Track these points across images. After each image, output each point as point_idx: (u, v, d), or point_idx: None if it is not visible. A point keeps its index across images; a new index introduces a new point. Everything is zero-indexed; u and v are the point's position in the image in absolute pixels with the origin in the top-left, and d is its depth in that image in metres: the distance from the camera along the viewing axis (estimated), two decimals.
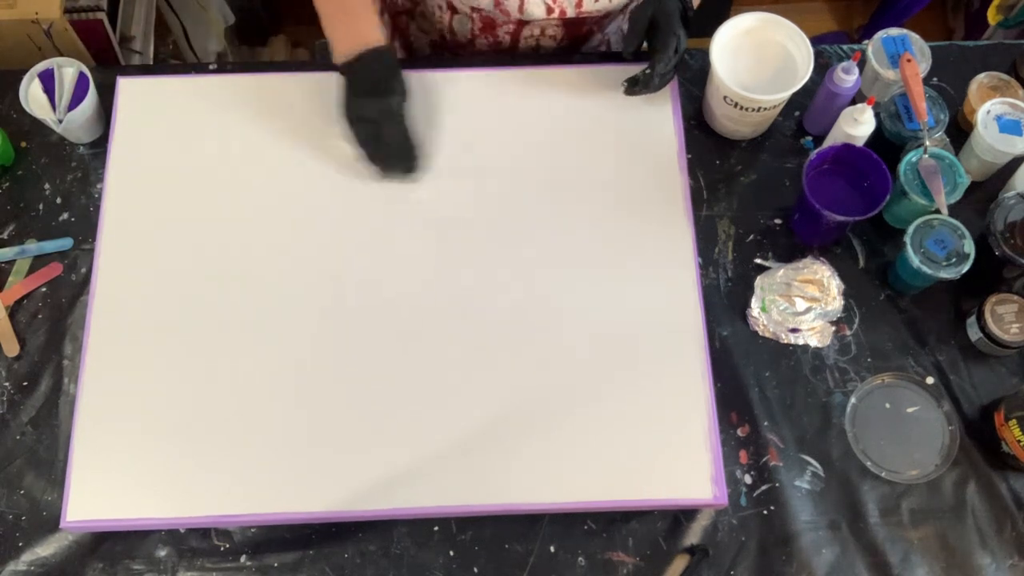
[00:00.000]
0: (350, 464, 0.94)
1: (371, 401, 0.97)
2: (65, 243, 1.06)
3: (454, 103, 1.11)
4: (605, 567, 0.94)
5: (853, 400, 1.00)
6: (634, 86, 1.06)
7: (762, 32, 1.07)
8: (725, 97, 1.04)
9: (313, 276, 1.02)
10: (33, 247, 1.06)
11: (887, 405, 1.00)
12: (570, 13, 1.09)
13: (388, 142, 1.01)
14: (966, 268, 0.97)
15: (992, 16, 1.74)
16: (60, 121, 1.07)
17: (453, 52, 1.24)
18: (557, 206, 1.06)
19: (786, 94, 1.03)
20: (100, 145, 1.12)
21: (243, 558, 0.94)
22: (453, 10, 1.16)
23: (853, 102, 1.07)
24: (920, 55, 1.08)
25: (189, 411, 0.96)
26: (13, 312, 1.04)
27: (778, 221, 1.09)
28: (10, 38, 1.31)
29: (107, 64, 1.42)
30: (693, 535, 0.95)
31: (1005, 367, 1.03)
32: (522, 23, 1.13)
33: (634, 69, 1.13)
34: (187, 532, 0.95)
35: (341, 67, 1.02)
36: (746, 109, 1.04)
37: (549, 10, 1.08)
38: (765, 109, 1.05)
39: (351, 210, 1.05)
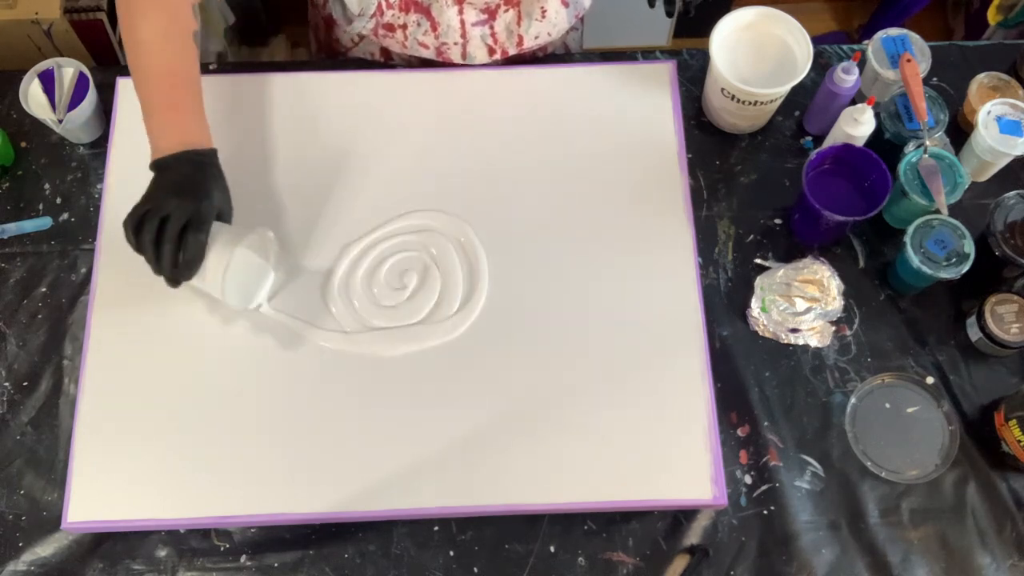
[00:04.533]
0: (350, 464, 0.94)
1: (371, 401, 0.96)
2: (44, 222, 1.06)
3: (453, 103, 1.11)
4: (605, 567, 0.94)
5: (853, 400, 1.00)
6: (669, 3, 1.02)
7: (762, 26, 1.07)
8: (723, 89, 1.05)
9: (314, 272, 1.02)
10: (12, 227, 1.06)
11: (887, 405, 1.00)
12: (511, 51, 1.09)
13: (184, 248, 0.86)
14: (966, 268, 0.97)
15: (992, 16, 1.74)
16: (60, 121, 1.07)
17: None
18: (557, 206, 1.06)
19: (782, 88, 1.03)
20: (100, 145, 1.12)
21: (243, 558, 0.94)
22: (388, 56, 1.16)
23: (853, 102, 1.07)
24: (920, 55, 1.08)
25: (189, 411, 0.96)
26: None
27: (778, 221, 1.09)
28: (10, 38, 1.31)
29: (107, 64, 1.42)
30: (693, 535, 0.95)
31: (1005, 367, 1.03)
32: (463, 64, 1.12)
33: (635, 68, 1.13)
34: (187, 532, 0.95)
35: (154, 163, 0.90)
36: (743, 102, 1.04)
37: (491, 51, 1.08)
38: (762, 103, 1.05)
39: (351, 206, 1.05)
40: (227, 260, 0.88)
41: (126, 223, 0.87)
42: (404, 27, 1.03)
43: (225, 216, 0.92)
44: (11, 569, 0.94)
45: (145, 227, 0.86)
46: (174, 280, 0.88)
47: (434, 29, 1.03)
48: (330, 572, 0.94)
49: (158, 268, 0.87)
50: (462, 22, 1.03)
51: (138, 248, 0.87)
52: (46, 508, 0.96)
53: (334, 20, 1.14)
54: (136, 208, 0.88)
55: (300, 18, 1.35)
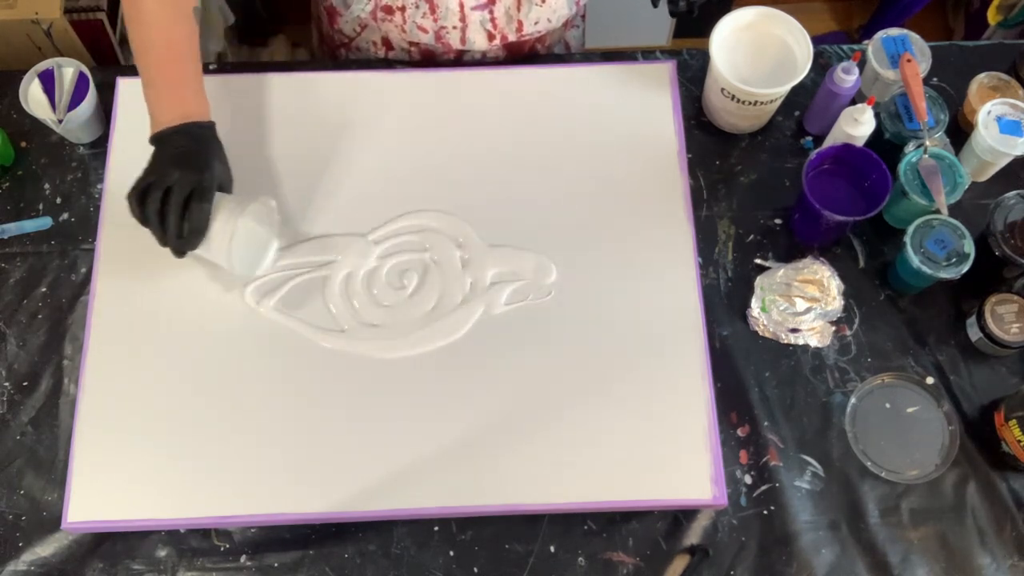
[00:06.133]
0: (350, 464, 0.94)
1: (371, 401, 0.97)
2: (44, 222, 1.06)
3: (452, 103, 1.11)
4: (605, 567, 0.94)
5: (853, 400, 1.00)
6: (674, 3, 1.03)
7: (762, 26, 1.07)
8: (723, 90, 1.05)
9: (314, 272, 1.02)
10: (12, 227, 1.06)
11: (887, 405, 1.00)
12: (511, 38, 1.09)
13: (189, 218, 0.87)
14: (966, 268, 0.97)
15: (992, 16, 1.74)
16: (60, 121, 1.07)
17: None
18: (556, 206, 1.06)
19: (782, 88, 1.03)
20: (100, 145, 1.12)
21: (243, 558, 0.94)
22: (389, 46, 1.16)
23: (853, 102, 1.07)
24: (920, 55, 1.08)
25: (189, 411, 0.96)
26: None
27: (778, 221, 1.09)
28: (10, 38, 1.31)
29: (107, 64, 1.42)
30: (693, 535, 0.95)
31: (1005, 367, 1.03)
32: (462, 51, 1.12)
33: (635, 68, 1.13)
34: (187, 532, 0.95)
35: (155, 137, 0.92)
36: (743, 103, 1.05)
37: (491, 37, 1.08)
38: (762, 103, 1.05)
39: (351, 206, 1.05)
40: (232, 229, 0.89)
41: (130, 196, 0.89)
42: (403, 9, 1.03)
43: (226, 187, 0.94)
44: (11, 569, 0.94)
45: (149, 199, 0.88)
46: (179, 250, 0.90)
47: (432, 12, 1.03)
48: (330, 572, 0.94)
49: (163, 239, 0.89)
50: (461, 5, 1.03)
51: (142, 219, 0.89)
52: (46, 508, 0.96)
53: (335, 10, 1.14)
54: (139, 180, 0.89)
55: (300, 18, 1.35)
